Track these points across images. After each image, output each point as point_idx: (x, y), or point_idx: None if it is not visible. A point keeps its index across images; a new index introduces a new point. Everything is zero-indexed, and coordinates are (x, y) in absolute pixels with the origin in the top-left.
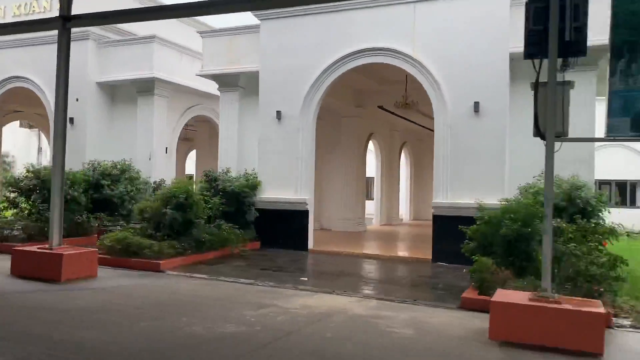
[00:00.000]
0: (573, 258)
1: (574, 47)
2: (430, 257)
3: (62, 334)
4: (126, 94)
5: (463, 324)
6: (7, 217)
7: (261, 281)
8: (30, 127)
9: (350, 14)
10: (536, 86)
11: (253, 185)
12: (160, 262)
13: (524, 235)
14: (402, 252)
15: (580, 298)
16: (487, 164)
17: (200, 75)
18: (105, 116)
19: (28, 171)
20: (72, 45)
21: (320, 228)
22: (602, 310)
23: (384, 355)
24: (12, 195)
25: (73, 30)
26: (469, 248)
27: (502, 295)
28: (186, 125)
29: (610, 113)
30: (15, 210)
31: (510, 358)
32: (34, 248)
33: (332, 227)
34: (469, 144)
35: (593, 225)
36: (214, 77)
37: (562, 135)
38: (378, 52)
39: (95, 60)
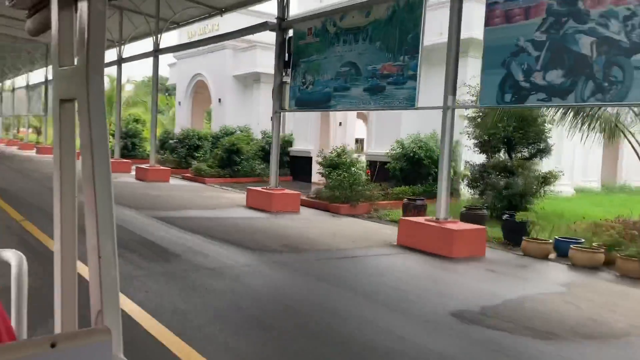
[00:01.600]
0: (337, 177)
1: (288, 63)
2: None
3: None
4: (249, 82)
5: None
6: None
7: (234, 189)
8: None
9: None
10: (275, 84)
11: (288, 140)
12: (206, 179)
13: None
14: None
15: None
16: (391, 129)
17: None
18: (239, 96)
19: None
20: (216, 54)
21: None
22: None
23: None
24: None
25: (216, 45)
26: None
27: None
28: None
29: (290, 97)
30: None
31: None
32: (144, 166)
33: None
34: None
35: (350, 160)
36: None
37: (283, 108)
38: None
39: (231, 61)
